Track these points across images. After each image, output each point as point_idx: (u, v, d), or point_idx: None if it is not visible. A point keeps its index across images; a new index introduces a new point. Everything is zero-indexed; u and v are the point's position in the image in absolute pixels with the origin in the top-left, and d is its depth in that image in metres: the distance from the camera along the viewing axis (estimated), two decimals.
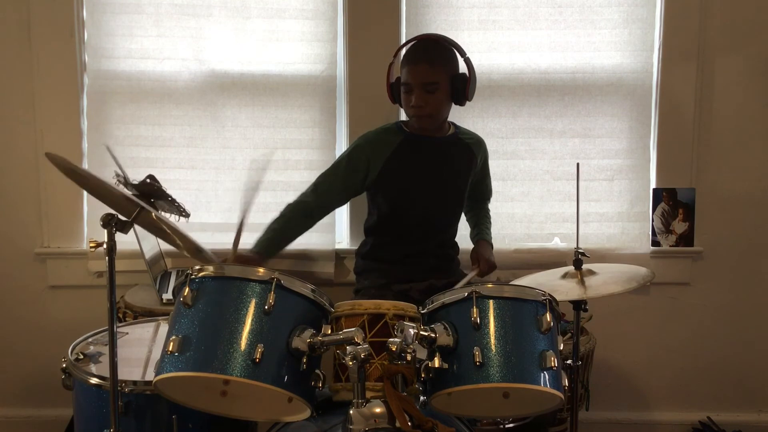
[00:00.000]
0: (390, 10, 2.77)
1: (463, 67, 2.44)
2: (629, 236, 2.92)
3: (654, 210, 2.90)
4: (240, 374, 1.46)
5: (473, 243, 2.66)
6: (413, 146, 2.47)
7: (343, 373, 1.71)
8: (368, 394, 1.55)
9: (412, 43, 2.43)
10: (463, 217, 2.71)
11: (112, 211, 1.65)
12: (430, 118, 2.41)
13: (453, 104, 2.46)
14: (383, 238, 2.54)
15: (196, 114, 2.81)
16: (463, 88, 2.40)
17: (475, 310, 1.56)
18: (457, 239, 2.65)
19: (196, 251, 1.85)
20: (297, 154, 2.85)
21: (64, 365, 1.91)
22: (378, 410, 1.52)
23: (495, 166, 2.84)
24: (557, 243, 2.89)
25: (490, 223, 2.74)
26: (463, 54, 2.43)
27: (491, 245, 2.65)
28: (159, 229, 1.81)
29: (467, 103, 2.43)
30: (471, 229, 2.71)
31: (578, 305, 2.13)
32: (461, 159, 2.54)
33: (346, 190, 2.51)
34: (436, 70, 2.36)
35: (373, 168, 2.45)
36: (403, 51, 2.43)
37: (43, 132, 2.76)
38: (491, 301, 1.58)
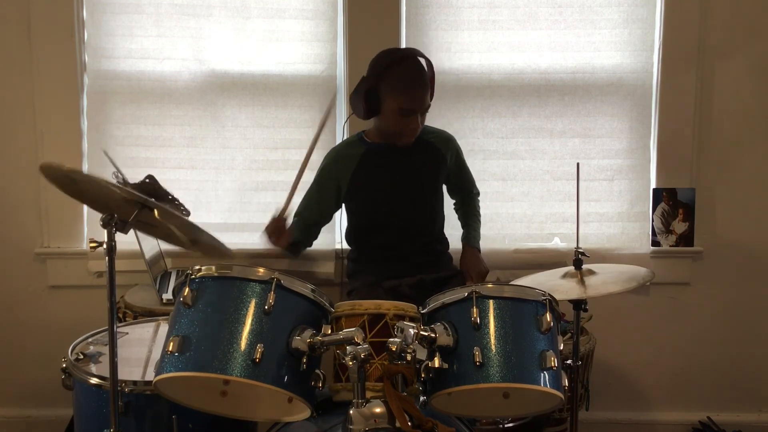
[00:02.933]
0: (390, 10, 2.77)
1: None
2: (629, 236, 2.92)
3: (654, 210, 2.90)
4: (240, 374, 1.46)
5: (462, 246, 2.66)
6: (377, 155, 2.50)
7: (343, 373, 1.71)
8: (368, 394, 1.55)
9: (402, 64, 2.36)
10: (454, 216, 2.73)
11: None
12: (415, 137, 2.45)
13: None
14: (366, 244, 2.57)
15: (196, 114, 2.81)
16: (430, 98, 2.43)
17: (475, 310, 1.56)
18: (446, 233, 2.66)
19: (194, 243, 1.82)
20: (297, 154, 2.84)
21: (64, 365, 1.91)
22: (378, 410, 1.51)
23: (495, 166, 2.84)
24: (557, 243, 2.89)
25: (478, 222, 2.73)
26: (431, 68, 2.43)
27: (479, 249, 2.65)
28: (159, 228, 1.80)
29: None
30: (462, 228, 2.71)
31: (578, 305, 2.13)
32: (427, 158, 2.54)
33: (326, 210, 2.58)
34: (429, 93, 2.40)
35: (343, 184, 2.50)
36: (389, 72, 2.35)
37: (43, 132, 2.76)
38: (491, 301, 1.58)
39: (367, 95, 2.37)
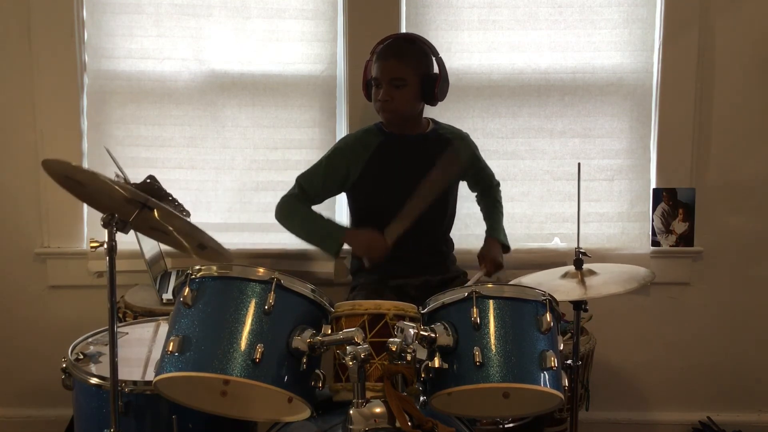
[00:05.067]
0: (390, 11, 2.77)
1: (437, 68, 2.48)
2: (629, 236, 2.92)
3: (654, 210, 2.90)
4: (240, 374, 1.46)
5: (485, 238, 2.64)
6: (392, 146, 2.49)
7: (343, 373, 1.71)
8: (368, 394, 1.55)
9: (387, 41, 2.46)
10: (468, 212, 2.73)
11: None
12: (394, 113, 2.43)
13: (426, 104, 2.50)
14: None
15: (196, 114, 2.81)
16: (432, 87, 2.43)
17: (475, 310, 1.55)
18: (452, 234, 2.65)
19: (201, 248, 1.82)
20: (297, 154, 2.85)
21: (64, 365, 1.90)
22: (378, 410, 1.51)
23: (495, 166, 2.83)
24: (557, 243, 2.89)
25: (501, 214, 2.70)
26: (435, 54, 2.48)
27: (500, 243, 2.62)
28: (160, 231, 1.80)
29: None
30: (485, 222, 2.70)
31: (578, 305, 2.13)
32: (442, 154, 2.52)
33: (324, 192, 2.55)
34: (405, 67, 2.40)
35: (354, 171, 2.48)
36: (376, 49, 2.47)
37: (43, 132, 2.76)
38: (491, 301, 1.58)
39: (364, 75, 2.48)
